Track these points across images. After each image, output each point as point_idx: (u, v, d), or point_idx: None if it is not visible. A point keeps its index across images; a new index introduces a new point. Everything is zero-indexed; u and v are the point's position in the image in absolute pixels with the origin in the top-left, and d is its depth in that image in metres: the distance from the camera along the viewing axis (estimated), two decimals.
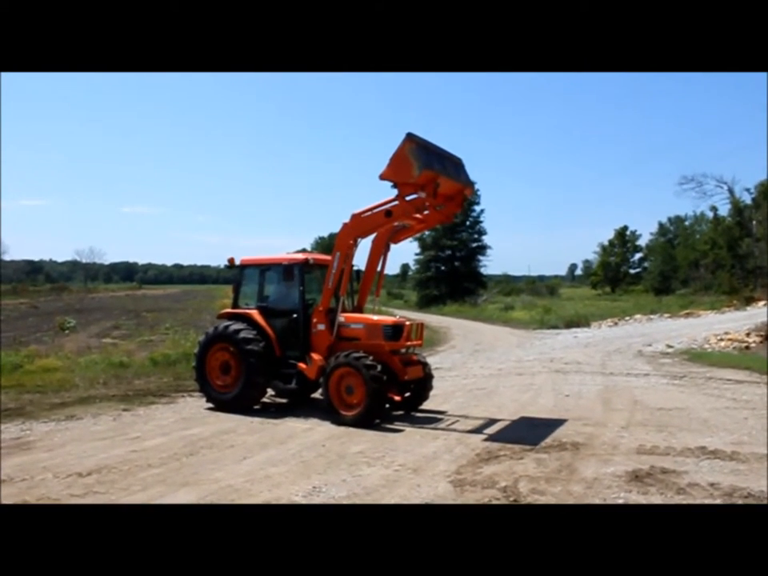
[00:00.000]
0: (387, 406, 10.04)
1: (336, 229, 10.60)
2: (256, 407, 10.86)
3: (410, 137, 8.86)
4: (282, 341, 10.76)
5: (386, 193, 9.90)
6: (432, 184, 9.23)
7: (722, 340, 20.45)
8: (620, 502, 6.00)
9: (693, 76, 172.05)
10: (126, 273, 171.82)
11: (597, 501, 6.04)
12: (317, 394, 10.89)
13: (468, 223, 58.63)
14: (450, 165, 9.81)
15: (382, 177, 9.12)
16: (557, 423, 9.54)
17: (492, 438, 8.60)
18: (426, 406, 10.83)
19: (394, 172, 9.08)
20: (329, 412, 9.73)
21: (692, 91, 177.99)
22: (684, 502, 5.96)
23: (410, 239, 12.25)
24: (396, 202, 9.58)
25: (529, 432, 8.99)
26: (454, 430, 9.22)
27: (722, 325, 24.97)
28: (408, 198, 9.42)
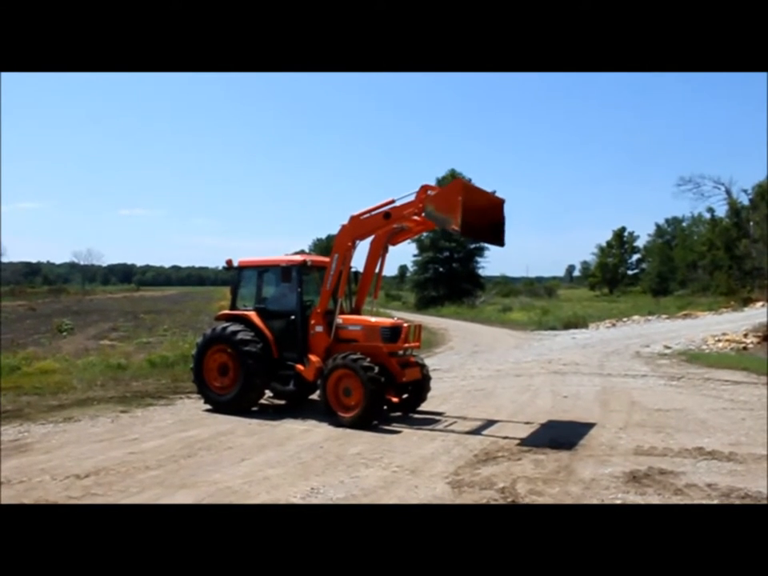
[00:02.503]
0: (385, 407, 10.05)
1: (334, 230, 10.63)
2: (254, 409, 10.85)
3: (461, 230, 8.59)
4: (280, 342, 10.75)
5: (385, 195, 9.95)
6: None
7: (719, 341, 20.48)
8: (618, 502, 6.01)
9: (690, 77, 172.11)
10: (124, 275, 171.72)
11: (594, 502, 6.04)
12: (315, 396, 10.88)
13: None
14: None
15: (457, 181, 8.81)
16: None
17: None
18: (423, 407, 10.82)
19: (447, 192, 8.85)
20: (327, 413, 9.74)
21: (690, 92, 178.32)
22: (681, 503, 5.97)
23: (408, 241, 12.28)
24: (394, 204, 9.67)
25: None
26: (452, 431, 9.22)
27: (720, 326, 25.03)
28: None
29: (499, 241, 9.85)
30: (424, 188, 9.48)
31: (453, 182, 8.71)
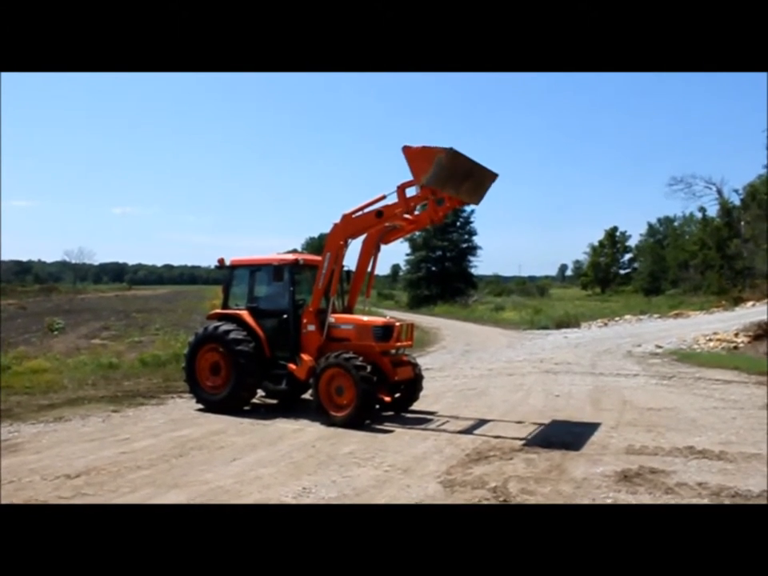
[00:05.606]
0: (377, 406, 10.03)
1: (326, 229, 10.60)
2: (246, 408, 10.83)
3: (449, 151, 8.56)
4: (272, 341, 10.73)
5: (378, 194, 9.91)
6: (430, 194, 9.46)
7: (710, 340, 20.57)
8: (609, 501, 6.03)
9: (683, 76, 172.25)
10: (116, 273, 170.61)
11: (586, 501, 6.06)
12: (307, 395, 10.87)
13: (458, 224, 58.78)
14: (472, 184, 9.65)
15: (406, 151, 8.83)
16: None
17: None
18: (416, 406, 10.83)
19: (414, 159, 8.83)
20: (319, 413, 9.72)
21: (682, 92, 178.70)
22: (672, 502, 6.00)
23: (401, 240, 12.28)
24: (388, 202, 9.69)
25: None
26: (444, 431, 9.23)
27: (711, 325, 25.12)
28: (407, 192, 9.47)
29: (488, 170, 9.76)
30: (401, 187, 9.45)
31: (403, 150, 8.79)
